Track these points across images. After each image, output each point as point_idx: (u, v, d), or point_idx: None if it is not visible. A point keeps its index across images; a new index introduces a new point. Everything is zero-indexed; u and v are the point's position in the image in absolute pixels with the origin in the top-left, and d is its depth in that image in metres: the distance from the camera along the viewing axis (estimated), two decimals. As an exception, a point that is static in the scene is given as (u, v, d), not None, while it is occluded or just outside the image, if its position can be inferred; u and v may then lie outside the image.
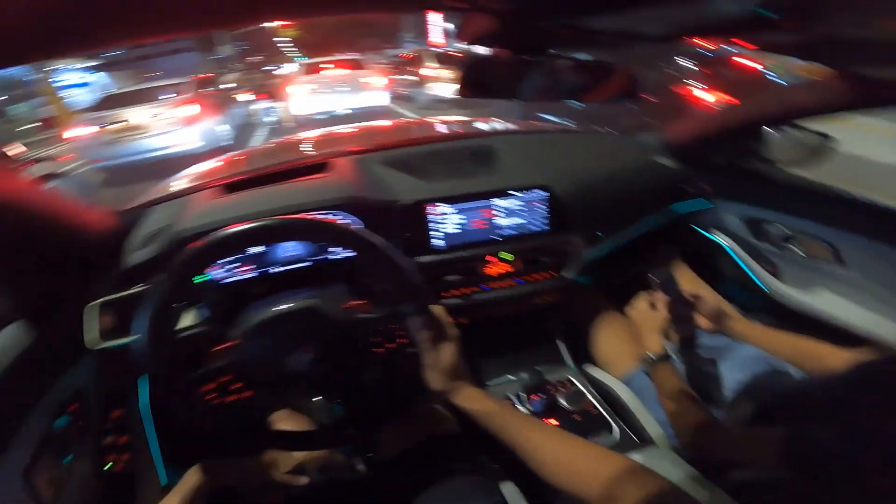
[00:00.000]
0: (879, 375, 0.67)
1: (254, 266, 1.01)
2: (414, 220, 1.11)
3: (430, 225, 1.12)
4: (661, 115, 4.01)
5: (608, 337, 1.26)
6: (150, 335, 0.63)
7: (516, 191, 1.15)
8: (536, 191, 1.16)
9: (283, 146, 2.04)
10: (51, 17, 0.35)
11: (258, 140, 7.95)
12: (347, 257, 1.06)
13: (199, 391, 0.70)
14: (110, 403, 1.02)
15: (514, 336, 1.33)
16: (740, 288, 1.36)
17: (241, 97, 9.19)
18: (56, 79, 15.03)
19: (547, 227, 1.19)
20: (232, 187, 1.13)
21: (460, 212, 1.13)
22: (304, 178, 1.12)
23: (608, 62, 0.70)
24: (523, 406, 1.11)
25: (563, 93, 0.74)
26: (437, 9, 0.53)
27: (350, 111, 8.17)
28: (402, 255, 0.69)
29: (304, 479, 0.81)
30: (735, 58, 4.72)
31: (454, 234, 1.14)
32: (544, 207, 1.17)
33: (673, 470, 0.82)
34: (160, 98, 6.27)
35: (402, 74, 10.26)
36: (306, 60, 10.31)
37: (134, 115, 5.90)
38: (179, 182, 1.51)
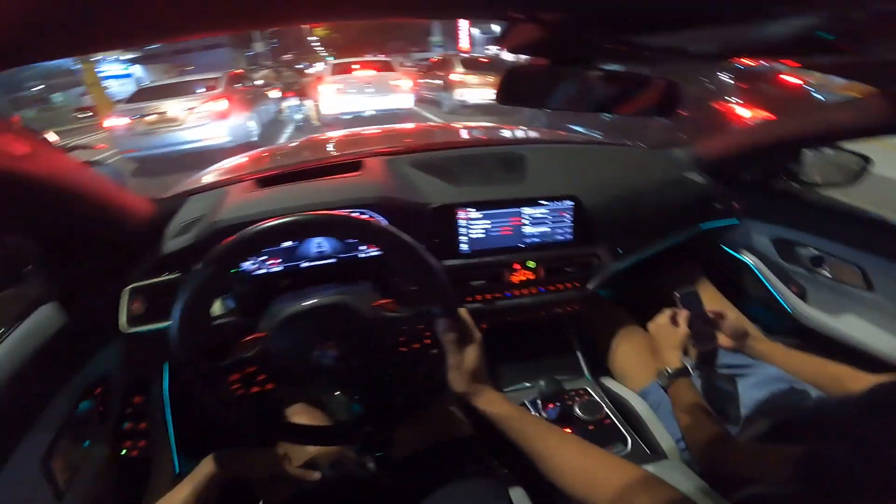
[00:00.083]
0: None
1: (283, 260, 1.03)
2: (443, 223, 1.12)
3: (459, 229, 1.13)
4: (694, 130, 3.93)
5: (626, 350, 1.25)
6: (187, 322, 0.64)
7: (545, 200, 1.15)
8: (564, 201, 1.16)
9: (314, 143, 2.08)
10: (88, 11, 0.35)
11: (285, 137, 8.08)
12: (375, 256, 1.07)
13: (226, 381, 0.71)
14: (133, 389, 1.04)
15: (532, 344, 1.33)
16: (764, 308, 1.34)
17: (272, 94, 9.35)
18: (100, 69, 15.53)
19: (572, 238, 1.19)
20: (266, 181, 1.15)
21: (489, 218, 1.14)
22: (336, 177, 1.14)
23: (644, 74, 0.70)
24: (538, 413, 1.11)
25: (596, 104, 0.73)
26: (498, 20, 0.53)
27: (376, 112, 8.23)
28: (433, 258, 0.70)
29: (316, 474, 0.81)
30: (774, 73, 4.58)
31: (481, 239, 1.15)
32: (570, 218, 1.18)
33: (685, 483, 0.82)
34: (194, 92, 6.42)
35: (429, 78, 10.31)
36: (335, 60, 10.42)
37: (168, 107, 6.05)
38: (214, 174, 1.55)
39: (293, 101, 8.31)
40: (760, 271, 1.35)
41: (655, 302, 1.16)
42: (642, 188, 1.30)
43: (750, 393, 0.98)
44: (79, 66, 14.15)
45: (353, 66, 8.67)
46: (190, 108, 6.10)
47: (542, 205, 1.16)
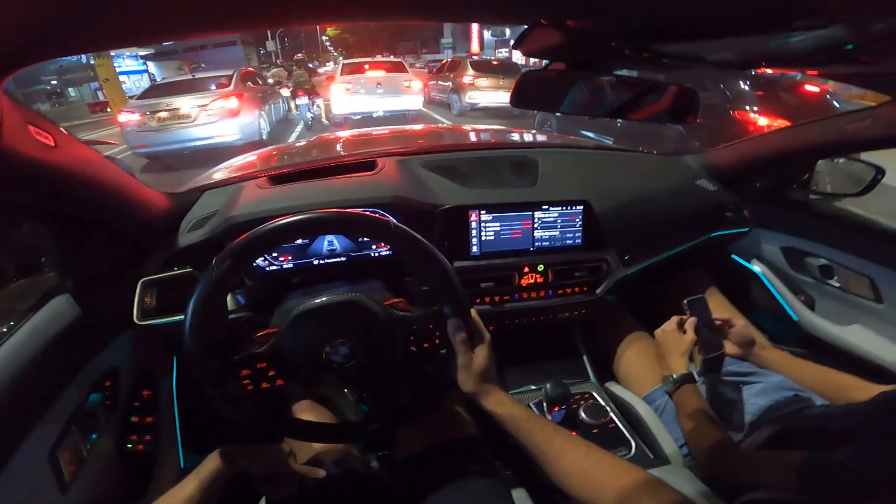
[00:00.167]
0: None
1: (295, 257, 1.04)
2: (454, 224, 1.12)
3: (470, 231, 1.14)
4: (708, 137, 3.91)
5: (632, 355, 1.25)
6: (202, 316, 0.64)
7: (556, 205, 1.16)
8: (575, 206, 1.17)
9: (324, 143, 2.09)
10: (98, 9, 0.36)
11: (294, 136, 8.10)
12: (386, 255, 1.08)
13: (236, 376, 0.72)
14: (141, 383, 1.04)
15: (539, 347, 1.33)
16: (772, 317, 1.34)
17: (282, 92, 9.39)
18: (116, 64, 15.68)
19: (582, 243, 1.20)
20: (280, 179, 1.16)
21: (501, 220, 1.15)
22: (350, 175, 1.15)
23: (658, 80, 0.70)
24: (543, 416, 1.11)
25: (610, 109, 0.73)
26: (533, 25, 0.51)
27: (386, 114, 8.24)
28: (446, 259, 0.70)
29: (320, 472, 0.81)
30: (790, 81, 4.51)
31: (491, 241, 1.16)
32: (581, 223, 1.18)
33: (688, 488, 0.82)
34: (205, 89, 6.47)
35: (440, 80, 10.32)
36: (346, 60, 10.44)
37: (180, 103, 6.10)
38: (225, 171, 1.56)
39: (303, 100, 8.32)
40: (769, 280, 1.35)
41: (663, 308, 1.16)
42: (653, 195, 1.30)
43: (755, 400, 0.98)
44: (93, 62, 14.32)
45: (365, 66, 8.66)
46: (201, 105, 6.14)
47: (553, 209, 1.16)
